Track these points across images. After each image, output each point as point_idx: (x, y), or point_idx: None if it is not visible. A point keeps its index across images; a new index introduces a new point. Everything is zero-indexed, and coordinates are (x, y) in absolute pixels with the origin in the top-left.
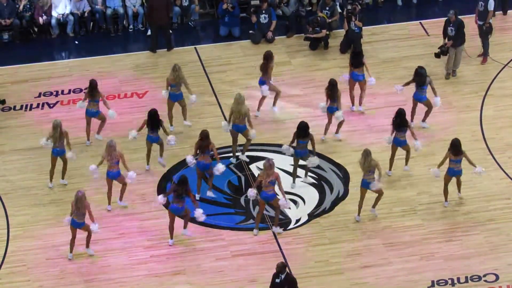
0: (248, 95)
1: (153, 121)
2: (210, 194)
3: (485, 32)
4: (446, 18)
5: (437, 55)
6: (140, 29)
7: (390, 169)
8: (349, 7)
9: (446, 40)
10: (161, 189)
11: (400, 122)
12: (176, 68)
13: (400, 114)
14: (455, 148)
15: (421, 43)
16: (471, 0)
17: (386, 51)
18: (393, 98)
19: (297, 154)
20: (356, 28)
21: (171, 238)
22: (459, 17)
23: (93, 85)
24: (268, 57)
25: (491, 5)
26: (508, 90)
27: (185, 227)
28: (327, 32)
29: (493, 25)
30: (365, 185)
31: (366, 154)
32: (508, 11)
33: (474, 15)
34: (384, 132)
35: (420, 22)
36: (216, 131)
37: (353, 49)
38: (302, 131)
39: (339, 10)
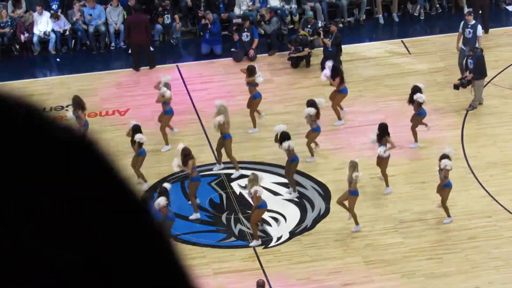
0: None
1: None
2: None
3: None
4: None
5: (456, 87)
6: (122, 46)
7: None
8: (321, 24)
9: (468, 72)
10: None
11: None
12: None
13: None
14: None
15: (403, 61)
16: (452, 20)
17: (367, 69)
18: (375, 116)
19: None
20: (329, 47)
21: None
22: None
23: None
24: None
25: (479, 31)
26: (490, 108)
27: None
28: (309, 50)
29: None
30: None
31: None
32: (490, 29)
33: (457, 39)
34: (365, 150)
35: (402, 41)
36: (198, 149)
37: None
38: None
39: None
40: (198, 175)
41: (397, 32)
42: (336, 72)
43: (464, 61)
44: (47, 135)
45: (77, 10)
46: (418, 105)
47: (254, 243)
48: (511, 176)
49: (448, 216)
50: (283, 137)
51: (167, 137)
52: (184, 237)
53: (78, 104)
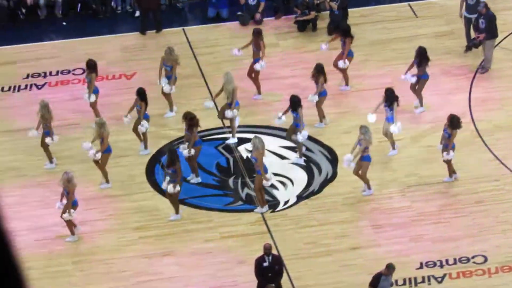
0: (237, 77)
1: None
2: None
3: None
4: None
5: (469, 48)
6: (128, 10)
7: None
8: None
9: (478, 33)
10: (149, 171)
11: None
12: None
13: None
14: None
15: (410, 25)
16: None
17: (374, 33)
18: (381, 80)
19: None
20: (335, 11)
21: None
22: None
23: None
24: (255, 33)
25: None
26: (497, 72)
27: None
28: (316, 14)
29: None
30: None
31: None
32: None
33: (459, 6)
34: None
35: (409, 4)
36: (205, 113)
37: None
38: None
39: None
40: (199, 139)
41: None
42: (345, 33)
43: (474, 21)
44: None
45: None
46: (424, 68)
47: (258, 209)
48: None
49: (450, 176)
50: (294, 103)
51: (172, 103)
52: (191, 201)
53: (93, 67)
